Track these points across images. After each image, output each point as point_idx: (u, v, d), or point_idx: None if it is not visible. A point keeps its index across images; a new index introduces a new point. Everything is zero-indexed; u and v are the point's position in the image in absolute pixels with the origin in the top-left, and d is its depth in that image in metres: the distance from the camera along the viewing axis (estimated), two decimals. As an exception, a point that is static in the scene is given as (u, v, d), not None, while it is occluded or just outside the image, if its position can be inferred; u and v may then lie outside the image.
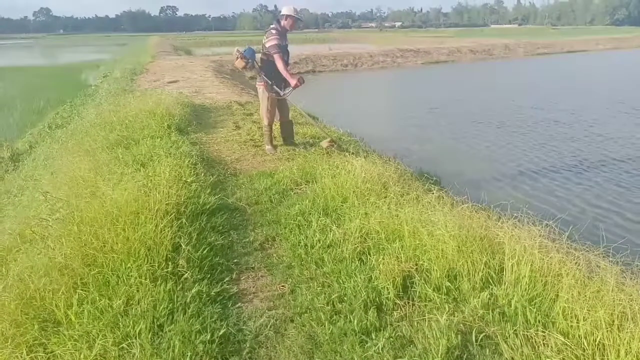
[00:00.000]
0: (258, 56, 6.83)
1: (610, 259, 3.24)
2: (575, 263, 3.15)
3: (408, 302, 3.14)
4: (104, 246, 3.49)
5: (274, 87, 6.71)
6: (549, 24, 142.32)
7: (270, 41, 6.50)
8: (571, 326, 2.72)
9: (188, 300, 3.11)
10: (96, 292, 3.09)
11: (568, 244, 3.42)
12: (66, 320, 2.90)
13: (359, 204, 4.55)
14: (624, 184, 8.00)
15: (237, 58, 6.76)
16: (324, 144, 7.00)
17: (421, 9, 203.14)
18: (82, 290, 3.11)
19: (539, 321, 2.82)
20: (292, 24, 6.69)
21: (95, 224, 3.75)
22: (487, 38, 55.48)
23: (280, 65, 6.47)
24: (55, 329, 2.87)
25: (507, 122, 13.43)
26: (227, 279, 3.53)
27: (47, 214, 4.40)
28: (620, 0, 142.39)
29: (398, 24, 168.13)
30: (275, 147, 7.11)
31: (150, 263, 3.39)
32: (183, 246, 3.63)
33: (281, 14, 6.68)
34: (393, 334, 2.81)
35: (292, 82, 6.49)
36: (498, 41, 46.58)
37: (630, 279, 2.99)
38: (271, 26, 6.73)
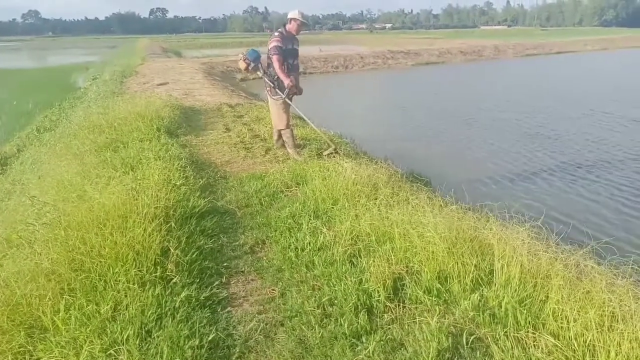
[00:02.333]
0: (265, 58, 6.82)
1: (600, 260, 3.25)
2: (565, 264, 3.16)
3: (399, 305, 3.13)
4: (92, 251, 3.44)
5: (276, 90, 6.66)
6: (537, 25, 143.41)
7: (271, 43, 6.52)
8: (561, 327, 2.72)
9: (177, 305, 3.08)
10: (83, 298, 3.05)
11: (557, 244, 3.43)
12: (53, 326, 2.85)
13: (350, 206, 4.54)
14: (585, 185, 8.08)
15: (241, 59, 6.83)
16: (326, 152, 6.82)
17: (412, 11, 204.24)
18: (69, 295, 3.07)
19: (529, 322, 2.82)
20: (297, 27, 6.65)
21: (83, 228, 3.70)
22: (477, 39, 55.81)
23: (276, 65, 6.46)
24: (41, 335, 2.83)
25: (492, 123, 13.47)
26: (216, 283, 3.50)
27: (34, 218, 4.34)
28: (608, 1, 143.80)
29: (388, 25, 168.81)
30: (298, 151, 6.96)
31: (139, 268, 3.35)
32: (172, 250, 3.60)
33: (287, 17, 6.69)
34: (384, 337, 2.80)
35: (286, 81, 6.47)
36: (488, 42, 46.85)
37: (621, 279, 3.00)
38: (277, 30, 6.75)
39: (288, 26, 6.65)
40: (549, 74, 28.55)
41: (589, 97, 18.10)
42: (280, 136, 7.23)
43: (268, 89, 6.77)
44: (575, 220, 6.22)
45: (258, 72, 6.84)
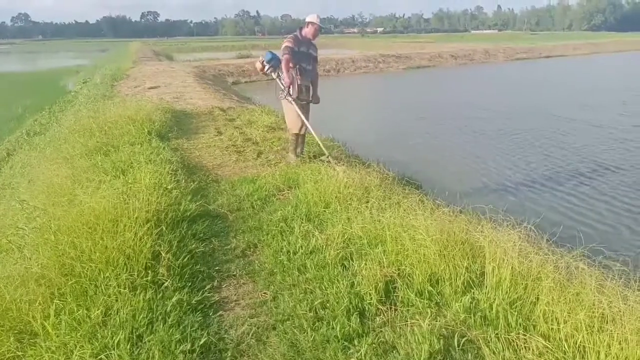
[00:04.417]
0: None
1: (590, 261, 3.27)
2: (555, 266, 3.18)
3: (391, 308, 3.13)
4: (82, 255, 3.42)
5: (289, 92, 6.45)
6: (527, 29, 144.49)
7: (283, 44, 6.44)
8: (552, 329, 2.74)
9: (168, 309, 3.06)
10: (74, 303, 3.03)
11: (547, 246, 3.45)
12: (43, 331, 2.83)
13: (342, 209, 4.55)
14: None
15: (259, 61, 6.82)
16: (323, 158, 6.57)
17: (403, 15, 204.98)
18: (59, 300, 3.05)
19: (520, 324, 2.83)
20: (315, 32, 6.53)
21: (73, 232, 3.68)
22: (467, 43, 56.12)
23: (283, 64, 6.34)
24: (31, 340, 2.81)
25: (483, 128, 13.53)
26: (208, 286, 3.49)
27: (24, 222, 4.32)
28: (597, 6, 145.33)
29: (380, 29, 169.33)
30: (298, 156, 6.76)
31: (130, 272, 3.33)
32: (163, 254, 3.58)
33: (305, 21, 6.58)
34: (376, 340, 2.80)
35: (286, 80, 6.34)
36: (478, 46, 47.11)
37: (610, 280, 3.02)
38: (292, 33, 6.67)
39: (305, 30, 6.54)
40: (540, 77, 28.81)
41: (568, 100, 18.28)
42: (299, 141, 6.95)
43: (280, 91, 6.61)
44: (567, 223, 6.26)
45: (273, 74, 6.73)
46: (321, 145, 6.63)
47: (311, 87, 6.74)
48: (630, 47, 56.61)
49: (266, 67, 6.69)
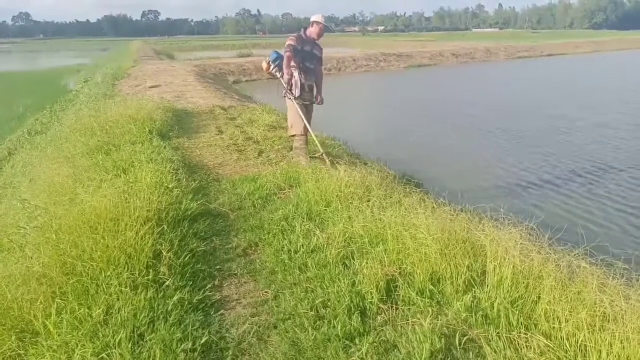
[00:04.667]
0: None
1: (591, 259, 3.26)
2: (556, 265, 3.17)
3: (392, 306, 3.13)
4: (83, 254, 3.42)
5: (291, 92, 6.45)
6: (529, 27, 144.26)
7: (286, 42, 6.39)
8: (553, 328, 2.73)
9: (169, 308, 3.06)
10: (75, 302, 3.03)
11: (548, 245, 3.44)
12: (44, 330, 2.83)
13: (343, 208, 4.54)
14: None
15: (264, 61, 6.81)
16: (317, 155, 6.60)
17: (404, 13, 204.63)
18: (60, 299, 3.05)
19: (521, 323, 2.83)
20: (319, 31, 6.47)
21: (74, 231, 3.68)
22: (468, 42, 56.05)
23: (285, 61, 6.32)
24: (33, 339, 2.80)
25: (484, 126, 13.53)
26: (209, 285, 3.49)
27: (25, 221, 4.31)
28: (598, 4, 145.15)
29: (381, 28, 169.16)
30: (309, 159, 6.53)
31: (131, 271, 3.33)
32: (164, 253, 3.58)
33: (310, 20, 6.54)
34: (377, 339, 2.80)
35: (286, 76, 6.35)
36: (479, 45, 47.07)
37: (612, 279, 3.01)
38: (297, 32, 6.66)
39: (309, 30, 6.49)
40: (541, 75, 28.76)
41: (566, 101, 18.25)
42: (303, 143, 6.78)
43: (284, 91, 6.59)
44: (569, 222, 6.25)
45: (278, 74, 6.66)
46: (316, 141, 6.63)
47: (315, 88, 6.70)
48: (631, 46, 56.58)
49: (271, 67, 6.67)
